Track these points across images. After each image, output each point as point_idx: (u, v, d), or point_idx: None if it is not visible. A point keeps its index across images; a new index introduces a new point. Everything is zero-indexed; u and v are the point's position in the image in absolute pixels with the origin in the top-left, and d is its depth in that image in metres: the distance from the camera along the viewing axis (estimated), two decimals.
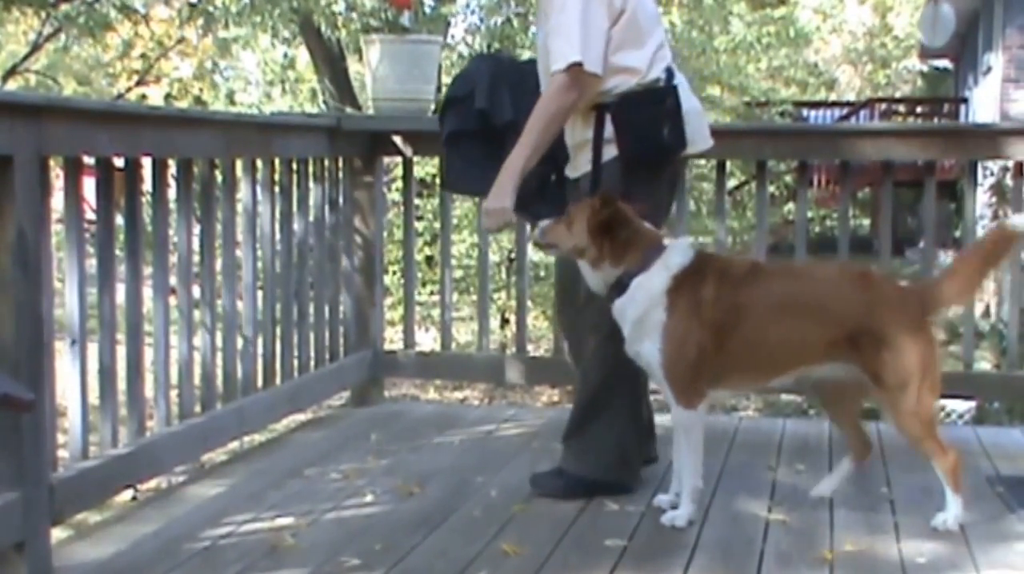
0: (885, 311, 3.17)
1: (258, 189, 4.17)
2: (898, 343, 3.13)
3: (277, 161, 4.25)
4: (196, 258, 3.85)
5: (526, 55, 9.52)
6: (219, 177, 3.94)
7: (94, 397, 3.26)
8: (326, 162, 4.64)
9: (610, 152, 3.38)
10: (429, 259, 10.30)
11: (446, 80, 7.93)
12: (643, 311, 3.20)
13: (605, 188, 3.28)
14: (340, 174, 4.76)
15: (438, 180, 5.02)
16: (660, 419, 3.81)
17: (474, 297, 7.72)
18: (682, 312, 3.18)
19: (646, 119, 3.36)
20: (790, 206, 16.58)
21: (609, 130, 3.36)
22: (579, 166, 3.46)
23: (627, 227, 3.22)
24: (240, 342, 4.06)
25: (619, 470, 3.56)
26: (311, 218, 4.56)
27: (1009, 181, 6.99)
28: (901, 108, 20.88)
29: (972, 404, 8.39)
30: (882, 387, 3.17)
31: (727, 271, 3.24)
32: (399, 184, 5.74)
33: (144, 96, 14.02)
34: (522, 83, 3.63)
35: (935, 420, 3.24)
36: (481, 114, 3.69)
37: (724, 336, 3.18)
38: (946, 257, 15.98)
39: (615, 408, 3.50)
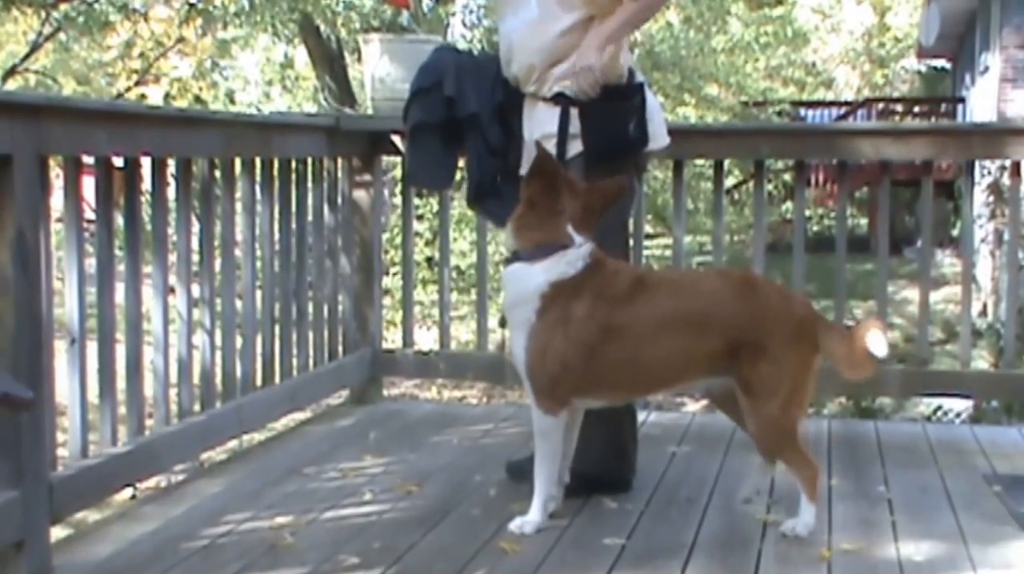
0: (769, 321, 3.07)
1: (257, 188, 4.18)
2: (776, 353, 3.04)
3: (276, 160, 4.26)
4: (195, 257, 3.86)
5: None
6: (218, 176, 3.94)
7: (93, 396, 3.26)
8: (325, 162, 4.65)
9: (575, 148, 3.38)
10: (429, 259, 10.31)
11: None
12: (515, 299, 3.15)
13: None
14: (339, 173, 4.76)
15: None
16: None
17: (473, 296, 7.72)
18: (549, 322, 3.09)
19: (614, 115, 3.36)
20: (788, 205, 16.60)
21: (574, 126, 3.37)
22: None
23: (550, 204, 3.11)
24: (239, 341, 4.07)
25: (619, 465, 3.57)
26: (310, 217, 4.57)
27: (1006, 180, 7.02)
28: (899, 108, 20.89)
29: (969, 403, 8.42)
30: (749, 394, 3.08)
31: (606, 288, 3.10)
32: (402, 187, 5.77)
33: (143, 96, 14.03)
34: (481, 75, 3.62)
35: (796, 433, 3.13)
36: (449, 102, 3.64)
37: (593, 354, 3.08)
38: (944, 256, 16.10)
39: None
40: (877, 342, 3.01)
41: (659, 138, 3.53)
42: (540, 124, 3.44)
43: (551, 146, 3.37)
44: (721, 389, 3.20)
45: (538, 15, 3.37)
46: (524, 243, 3.15)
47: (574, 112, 3.35)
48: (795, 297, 3.23)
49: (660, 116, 3.57)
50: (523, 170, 3.47)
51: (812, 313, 3.18)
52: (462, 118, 3.61)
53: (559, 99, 3.38)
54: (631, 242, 3.85)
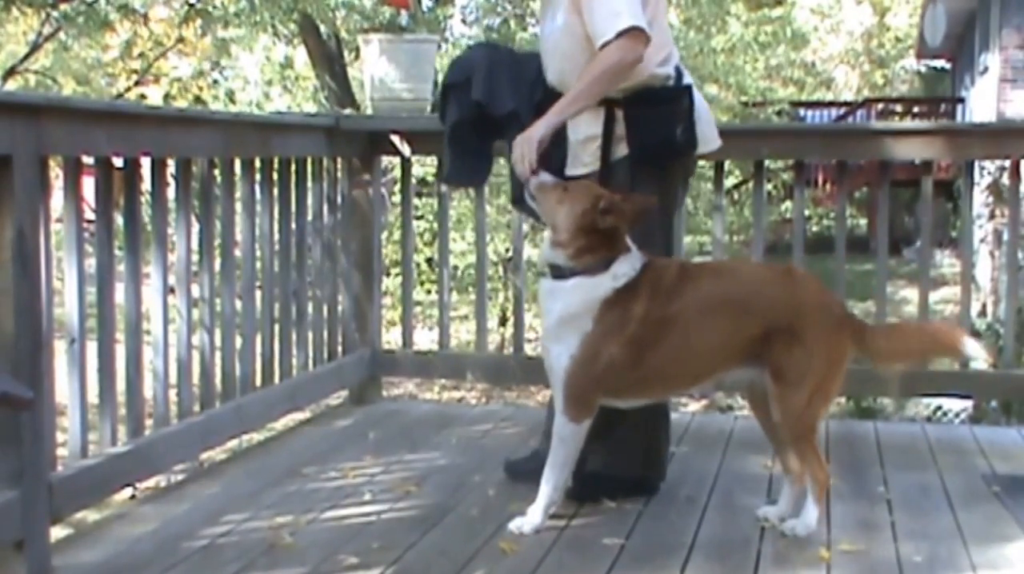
0: (807, 309, 3.11)
1: (257, 188, 4.18)
2: (811, 342, 3.08)
3: (276, 160, 4.26)
4: (195, 257, 3.86)
5: None
6: (218, 176, 3.95)
7: (93, 396, 3.26)
8: (324, 161, 4.65)
9: (620, 150, 3.34)
10: (429, 259, 10.31)
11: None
12: (573, 312, 3.12)
13: (616, 192, 3.17)
14: (339, 173, 4.77)
15: (435, 177, 5.04)
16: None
17: (473, 296, 7.72)
18: (608, 326, 3.10)
19: (661, 118, 3.32)
20: (787, 205, 16.60)
21: (620, 128, 3.32)
22: (583, 163, 3.39)
23: (608, 235, 3.13)
24: (239, 341, 4.07)
25: (648, 468, 3.55)
26: (310, 217, 4.57)
27: (1006, 180, 7.02)
28: (898, 108, 20.89)
29: (969, 403, 8.40)
30: (779, 381, 3.10)
31: (659, 282, 3.14)
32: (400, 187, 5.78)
33: (143, 96, 14.04)
34: (520, 72, 3.55)
35: (817, 428, 3.17)
36: (477, 105, 3.58)
37: (646, 350, 3.11)
38: (943, 256, 16.10)
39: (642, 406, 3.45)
40: (974, 349, 3.12)
41: (710, 141, 3.49)
42: (583, 126, 3.36)
43: (595, 148, 3.35)
44: (759, 385, 3.20)
45: (565, 20, 3.33)
46: (584, 263, 3.14)
47: (619, 114, 3.31)
48: (834, 294, 3.27)
49: (709, 117, 3.52)
50: (569, 171, 3.41)
51: (848, 312, 3.23)
52: (499, 116, 3.54)
53: (603, 100, 3.29)
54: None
